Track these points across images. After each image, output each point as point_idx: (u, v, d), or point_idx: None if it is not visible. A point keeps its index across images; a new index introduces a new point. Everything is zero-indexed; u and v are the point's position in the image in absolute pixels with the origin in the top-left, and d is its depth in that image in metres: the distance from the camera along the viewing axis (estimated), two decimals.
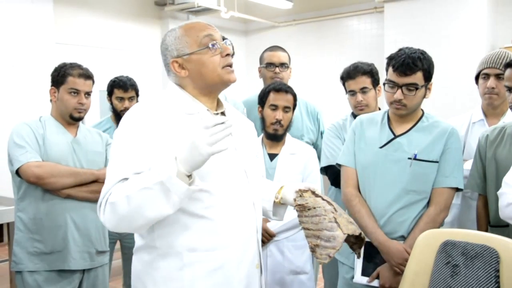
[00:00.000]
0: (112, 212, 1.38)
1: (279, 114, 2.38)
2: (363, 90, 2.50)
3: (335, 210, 1.61)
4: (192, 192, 1.35)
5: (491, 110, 2.41)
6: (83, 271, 2.29)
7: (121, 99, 3.04)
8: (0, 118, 2.87)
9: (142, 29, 6.26)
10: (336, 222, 1.58)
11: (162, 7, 6.34)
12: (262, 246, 2.25)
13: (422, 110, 2.12)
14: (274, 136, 2.42)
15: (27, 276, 2.19)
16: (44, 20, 4.97)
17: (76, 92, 2.25)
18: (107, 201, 1.39)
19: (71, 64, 2.30)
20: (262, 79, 3.00)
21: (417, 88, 1.97)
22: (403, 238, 2.00)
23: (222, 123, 1.34)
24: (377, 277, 2.04)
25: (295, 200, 1.63)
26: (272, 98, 2.41)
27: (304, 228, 1.64)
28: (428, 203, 2.02)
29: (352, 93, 2.54)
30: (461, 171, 2.04)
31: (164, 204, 1.34)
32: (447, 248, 1.68)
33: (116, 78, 3.09)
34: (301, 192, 1.65)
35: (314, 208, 1.61)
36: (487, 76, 2.36)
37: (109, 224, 1.42)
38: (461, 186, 2.02)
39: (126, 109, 2.98)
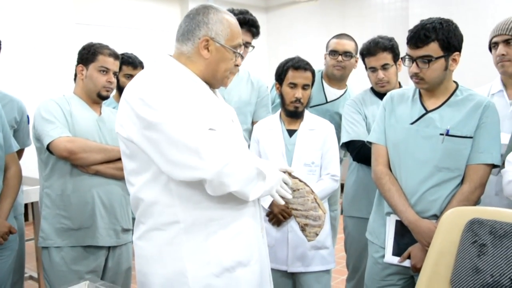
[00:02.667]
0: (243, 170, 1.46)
1: (298, 92, 2.36)
2: (384, 67, 2.46)
3: (312, 191, 1.77)
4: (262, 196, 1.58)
5: (510, 80, 2.30)
6: (109, 248, 2.30)
7: (130, 76, 2.98)
8: (22, 99, 2.87)
9: (162, 8, 6.22)
10: (317, 202, 1.76)
11: None
12: (283, 222, 2.26)
13: (456, 83, 2.03)
14: (294, 113, 2.40)
15: (54, 252, 2.21)
16: (63, 1, 4.97)
17: (106, 70, 2.27)
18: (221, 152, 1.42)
19: (99, 43, 2.33)
20: (324, 66, 2.96)
21: (430, 60, 1.89)
22: (435, 217, 1.94)
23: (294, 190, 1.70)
24: (408, 257, 2.00)
25: None
26: (291, 76, 2.37)
27: (292, 209, 1.81)
28: (463, 181, 1.95)
29: (372, 69, 2.49)
30: (498, 147, 1.95)
31: (254, 187, 1.51)
32: (473, 226, 1.61)
33: (123, 54, 3.02)
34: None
35: (298, 190, 1.75)
36: (496, 44, 2.26)
37: (214, 169, 1.41)
38: (497, 163, 1.93)
39: None
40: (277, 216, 2.32)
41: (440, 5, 5.35)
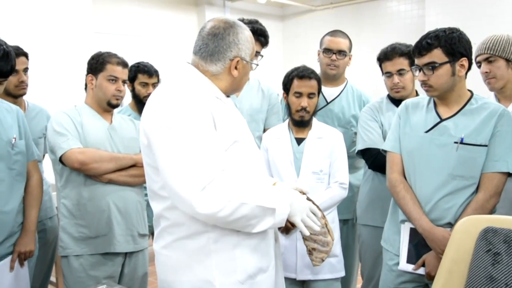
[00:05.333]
0: (229, 208, 1.44)
1: (304, 102, 2.37)
2: (400, 72, 2.45)
3: (324, 216, 1.73)
4: (278, 226, 1.60)
5: (500, 95, 2.35)
6: (125, 254, 2.33)
7: (145, 84, 3.01)
8: (44, 107, 2.96)
9: (179, 17, 6.29)
10: (327, 228, 1.74)
11: None
12: (292, 230, 2.27)
13: (471, 92, 2.04)
14: (301, 123, 2.41)
15: (73, 260, 2.24)
16: (83, 10, 5.06)
17: (115, 79, 2.29)
18: (226, 196, 1.44)
19: (108, 52, 2.35)
20: (319, 63, 2.94)
21: (434, 67, 1.91)
22: (450, 225, 1.94)
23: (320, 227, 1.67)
24: (423, 265, 2.00)
25: None
26: (296, 85, 2.39)
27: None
28: (478, 189, 1.94)
29: (388, 74, 2.49)
30: None
31: (260, 226, 1.52)
32: (487, 235, 1.61)
33: (139, 63, 3.06)
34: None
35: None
36: (480, 63, 2.33)
37: (221, 215, 1.45)
38: None
39: (150, 95, 2.98)
40: (286, 224, 2.32)
41: (456, 13, 5.32)
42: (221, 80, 1.64)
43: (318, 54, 2.93)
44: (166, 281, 1.63)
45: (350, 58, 2.90)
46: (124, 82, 2.34)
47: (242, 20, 2.59)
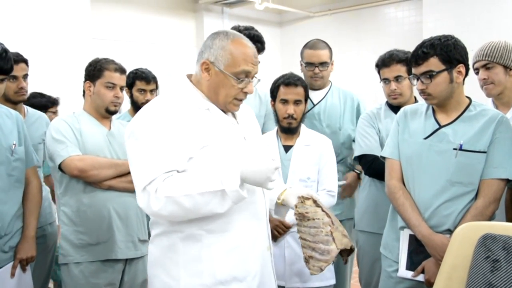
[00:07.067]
0: (169, 205, 1.51)
1: (290, 109, 2.37)
2: (397, 79, 2.47)
3: (332, 224, 1.66)
4: (243, 199, 1.53)
5: (498, 101, 2.36)
6: (126, 261, 2.32)
7: (143, 91, 3.01)
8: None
9: (177, 23, 6.30)
10: (332, 236, 1.64)
11: (197, 0, 6.37)
12: (279, 237, 2.26)
13: (469, 98, 2.05)
14: (288, 130, 2.41)
15: (73, 267, 2.23)
16: (81, 16, 5.07)
17: (113, 86, 2.29)
18: (163, 194, 1.51)
19: (105, 59, 2.35)
20: (302, 74, 2.94)
21: (432, 75, 1.92)
22: (449, 231, 1.93)
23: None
24: (422, 272, 1.99)
25: (296, 206, 1.67)
26: (282, 92, 2.39)
27: (301, 238, 1.71)
28: (477, 196, 1.94)
29: (386, 81, 2.50)
30: None
31: (218, 207, 1.52)
32: (486, 241, 1.61)
33: (137, 70, 3.06)
34: (303, 199, 1.67)
35: (313, 219, 1.67)
36: (477, 70, 2.34)
37: (159, 213, 1.54)
38: None
39: (147, 101, 2.97)
40: (272, 231, 2.30)
41: (453, 19, 5.34)
42: (201, 84, 1.68)
43: (301, 65, 2.95)
44: (148, 274, 1.73)
45: (332, 64, 2.92)
46: (122, 88, 2.34)
47: (238, 27, 2.59)
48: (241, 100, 1.68)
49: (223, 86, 1.64)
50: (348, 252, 1.75)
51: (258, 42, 2.70)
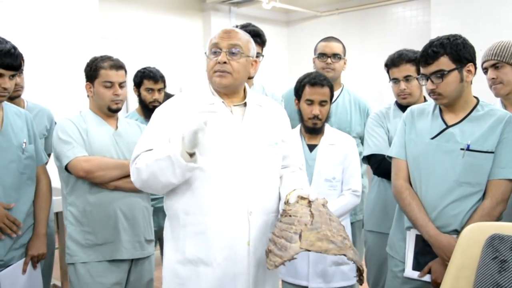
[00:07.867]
0: (137, 176, 1.72)
1: (315, 109, 2.34)
2: (407, 78, 2.45)
3: (311, 224, 1.52)
4: (192, 168, 1.65)
5: (506, 101, 2.35)
6: (132, 261, 2.33)
7: (151, 90, 3.01)
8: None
9: (185, 22, 6.32)
10: (300, 235, 1.50)
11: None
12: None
13: (477, 98, 2.04)
14: (313, 130, 2.39)
15: (80, 267, 2.24)
16: (89, 15, 5.10)
17: (110, 84, 2.26)
18: (134, 166, 1.73)
19: (101, 57, 2.32)
20: (314, 69, 2.93)
21: (443, 74, 1.91)
22: (456, 232, 1.93)
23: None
24: (429, 272, 1.99)
25: (285, 203, 1.69)
26: (308, 92, 2.36)
27: (272, 232, 1.63)
28: (484, 196, 1.94)
29: (395, 81, 2.49)
30: None
31: (170, 174, 1.65)
32: (494, 242, 1.60)
33: (145, 69, 3.05)
34: (299, 199, 1.64)
35: (291, 216, 1.60)
36: (486, 69, 2.33)
37: (137, 185, 1.76)
38: None
39: (155, 100, 2.99)
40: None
41: (461, 19, 5.32)
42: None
43: (314, 61, 2.98)
44: None
45: (345, 63, 2.95)
46: (121, 84, 2.29)
47: (236, 27, 2.60)
48: (219, 72, 1.77)
49: (207, 66, 1.83)
50: (358, 271, 1.57)
51: (256, 36, 2.71)
